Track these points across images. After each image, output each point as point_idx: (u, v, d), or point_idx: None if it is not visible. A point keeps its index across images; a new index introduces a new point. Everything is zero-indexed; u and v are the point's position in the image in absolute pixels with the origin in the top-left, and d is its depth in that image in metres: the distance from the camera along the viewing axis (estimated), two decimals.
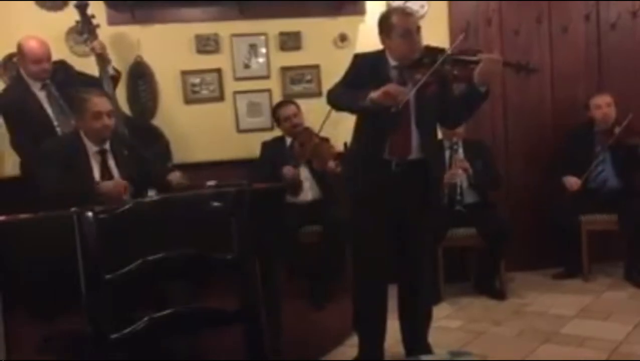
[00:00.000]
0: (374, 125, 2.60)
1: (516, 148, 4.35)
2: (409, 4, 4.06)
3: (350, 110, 2.65)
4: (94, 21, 3.61)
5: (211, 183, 2.89)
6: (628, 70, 4.34)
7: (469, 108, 2.60)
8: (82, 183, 2.81)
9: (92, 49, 3.54)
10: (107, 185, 2.83)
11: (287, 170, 3.68)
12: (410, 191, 2.62)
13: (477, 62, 2.43)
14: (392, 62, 2.61)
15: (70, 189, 2.71)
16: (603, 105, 3.99)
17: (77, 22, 3.61)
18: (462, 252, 4.02)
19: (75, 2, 3.60)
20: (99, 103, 2.92)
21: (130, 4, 3.82)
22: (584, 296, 3.69)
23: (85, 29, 3.59)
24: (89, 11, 3.60)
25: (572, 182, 3.96)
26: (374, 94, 2.41)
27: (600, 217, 3.93)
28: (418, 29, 2.59)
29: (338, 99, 2.64)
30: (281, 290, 3.25)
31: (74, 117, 3.01)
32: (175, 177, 3.06)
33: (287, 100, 3.98)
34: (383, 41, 2.64)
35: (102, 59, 3.54)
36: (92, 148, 2.94)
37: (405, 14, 2.63)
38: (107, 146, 2.97)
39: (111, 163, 2.98)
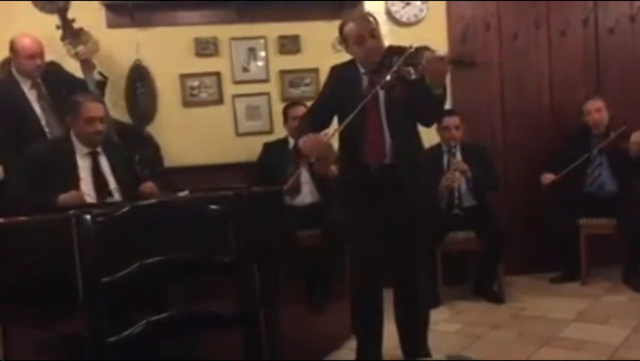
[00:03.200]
0: (347, 131, 2.64)
1: (514, 152, 4.35)
2: (395, 7, 4.13)
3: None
4: (88, 25, 3.60)
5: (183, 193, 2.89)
6: (626, 74, 4.35)
7: (432, 109, 2.57)
8: (46, 194, 2.79)
9: (76, 55, 3.49)
10: (66, 197, 2.80)
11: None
12: (395, 194, 2.61)
13: (421, 60, 2.40)
14: (362, 69, 2.64)
15: (31, 199, 2.72)
16: (592, 111, 4.01)
17: (58, 27, 3.54)
18: (461, 255, 4.02)
19: (55, 4, 3.56)
20: (93, 108, 2.95)
21: (129, 7, 3.83)
22: (582, 300, 3.69)
23: (67, 33, 3.54)
24: (73, 14, 3.57)
25: (546, 176, 4.00)
26: (299, 140, 2.54)
27: (598, 220, 3.93)
28: (372, 32, 2.59)
29: (298, 126, 2.89)
30: (280, 293, 3.25)
31: (68, 118, 3.01)
32: (147, 187, 3.05)
33: (299, 102, 3.99)
34: (346, 50, 2.69)
35: (87, 65, 3.49)
36: (82, 150, 2.97)
37: (357, 20, 2.65)
38: (98, 149, 2.99)
39: (104, 165, 2.99)
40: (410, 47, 2.46)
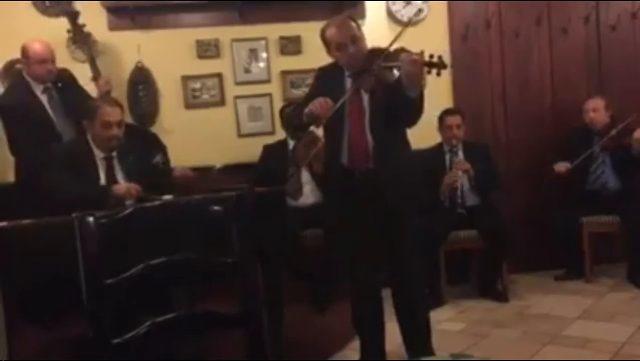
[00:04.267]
0: (330, 135, 2.66)
1: (517, 150, 4.34)
2: (396, 6, 4.13)
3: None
4: (88, 29, 3.61)
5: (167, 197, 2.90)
6: (628, 72, 4.34)
7: (409, 112, 2.52)
8: (96, 187, 2.84)
9: (96, 86, 3.48)
10: (120, 188, 2.86)
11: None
12: (381, 198, 2.61)
13: (397, 62, 2.39)
14: (347, 72, 2.64)
15: (86, 192, 2.75)
16: (589, 110, 4.01)
17: (69, 31, 3.59)
18: (464, 254, 4.02)
19: (65, 11, 3.59)
20: (111, 113, 2.96)
21: (130, 9, 3.84)
22: (587, 298, 3.68)
23: (77, 38, 3.57)
24: (81, 19, 3.59)
25: (561, 164, 3.96)
26: (308, 107, 2.48)
27: (601, 218, 3.92)
28: (353, 38, 2.57)
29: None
30: (283, 293, 3.26)
31: (85, 121, 3.02)
32: (179, 171, 3.12)
33: (296, 103, 3.98)
34: (328, 54, 2.68)
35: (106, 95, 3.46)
36: (99, 155, 2.99)
37: (337, 26, 2.62)
38: (113, 153, 3.01)
39: (117, 170, 3.01)
40: (387, 48, 2.47)
